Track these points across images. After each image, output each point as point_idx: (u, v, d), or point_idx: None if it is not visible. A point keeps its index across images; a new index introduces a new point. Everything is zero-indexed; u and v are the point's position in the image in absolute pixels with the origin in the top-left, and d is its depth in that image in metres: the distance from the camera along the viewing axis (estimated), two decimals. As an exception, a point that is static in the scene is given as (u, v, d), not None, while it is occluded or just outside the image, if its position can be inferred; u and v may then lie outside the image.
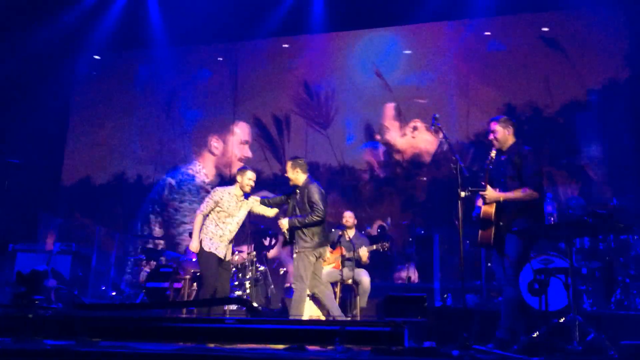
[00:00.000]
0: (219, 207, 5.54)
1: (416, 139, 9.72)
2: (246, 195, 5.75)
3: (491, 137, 4.40)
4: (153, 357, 2.96)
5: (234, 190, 5.66)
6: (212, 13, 10.26)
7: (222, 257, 5.52)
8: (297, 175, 5.45)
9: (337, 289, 6.48)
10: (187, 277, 6.95)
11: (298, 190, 5.46)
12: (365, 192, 9.93)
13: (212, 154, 10.79)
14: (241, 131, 10.78)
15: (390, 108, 10.01)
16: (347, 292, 6.76)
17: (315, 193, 5.30)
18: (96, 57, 11.71)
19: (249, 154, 10.55)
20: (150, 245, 9.08)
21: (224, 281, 5.55)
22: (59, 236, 10.28)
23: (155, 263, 7.92)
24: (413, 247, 7.90)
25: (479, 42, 9.58)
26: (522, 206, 4.09)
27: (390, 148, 9.88)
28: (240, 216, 5.72)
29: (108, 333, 3.35)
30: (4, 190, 5.82)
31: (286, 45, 10.74)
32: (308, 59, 10.50)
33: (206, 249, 5.45)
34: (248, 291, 7.22)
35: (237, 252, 6.76)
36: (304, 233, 5.30)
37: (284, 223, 5.33)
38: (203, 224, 5.53)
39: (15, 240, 7.33)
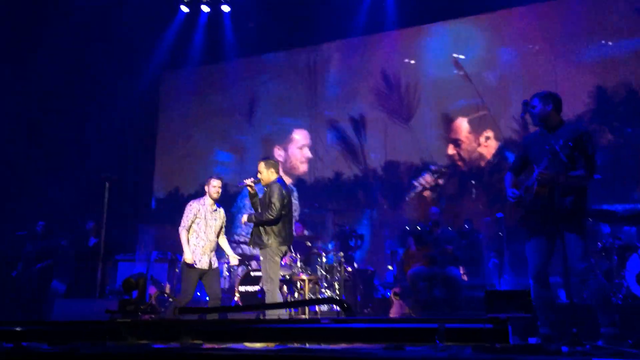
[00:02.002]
0: (198, 218, 5.76)
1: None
2: (217, 205, 5.96)
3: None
4: (254, 357, 3.01)
5: (206, 200, 5.88)
6: (282, 21, 10.53)
7: (207, 268, 5.69)
8: (270, 175, 5.56)
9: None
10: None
11: (265, 189, 5.55)
12: (449, 187, 9.71)
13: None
14: (301, 137, 10.95)
15: (471, 100, 9.73)
16: (439, 289, 6.61)
17: (275, 193, 5.37)
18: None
19: (309, 154, 10.74)
20: (240, 251, 9.33)
21: (214, 285, 5.75)
22: (155, 245, 10.81)
23: (245, 268, 8.11)
24: (504, 242, 7.60)
25: (563, 24, 9.11)
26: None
27: (460, 144, 9.62)
28: (218, 224, 5.90)
29: (209, 335, 3.44)
30: (103, 204, 6.16)
31: (361, 43, 10.72)
32: (385, 55, 10.41)
33: (187, 261, 5.62)
34: (337, 292, 7.25)
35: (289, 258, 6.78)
36: (260, 232, 5.38)
37: (243, 218, 5.51)
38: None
39: (117, 250, 7.75)
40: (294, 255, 7.25)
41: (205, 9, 10.79)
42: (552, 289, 4.07)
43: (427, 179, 9.75)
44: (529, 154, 4.16)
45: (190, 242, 5.71)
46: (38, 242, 7.91)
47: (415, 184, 9.79)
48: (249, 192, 5.60)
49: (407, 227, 9.03)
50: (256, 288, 7.07)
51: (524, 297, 3.02)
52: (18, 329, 3.97)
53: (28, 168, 10.37)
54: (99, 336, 3.56)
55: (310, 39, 11.02)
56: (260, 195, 5.65)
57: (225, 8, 10.73)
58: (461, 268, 6.70)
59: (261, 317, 5.49)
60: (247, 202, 6.15)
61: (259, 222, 5.38)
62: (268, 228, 5.36)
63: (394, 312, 6.55)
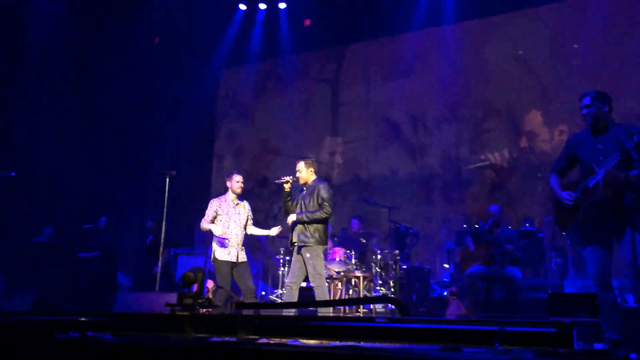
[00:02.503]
0: (219, 215, 5.86)
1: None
2: (240, 199, 6.04)
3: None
4: (309, 354, 3.02)
5: (228, 196, 5.98)
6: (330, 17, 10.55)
7: (235, 261, 5.78)
8: (310, 175, 5.57)
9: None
10: (332, 276, 7.07)
11: (305, 189, 5.54)
12: (508, 185, 9.45)
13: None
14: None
15: (535, 94, 9.41)
16: (498, 290, 6.44)
17: (326, 192, 5.45)
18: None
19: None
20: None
21: (246, 279, 5.81)
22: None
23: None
24: (568, 242, 7.31)
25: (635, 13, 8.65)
26: None
27: (534, 137, 9.28)
28: (242, 219, 5.98)
29: (265, 330, 3.48)
30: (163, 200, 6.34)
31: (420, 37, 10.55)
32: (446, 49, 10.18)
33: (219, 257, 5.74)
34: (392, 290, 7.19)
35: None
36: (307, 230, 5.36)
37: (292, 217, 5.41)
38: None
39: (176, 245, 7.97)
40: (348, 252, 7.24)
41: (262, 6, 10.95)
42: (615, 293, 3.88)
43: (488, 173, 9.52)
44: (578, 153, 4.00)
45: (217, 238, 5.82)
46: (101, 236, 8.24)
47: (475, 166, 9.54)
48: (284, 190, 5.59)
49: (464, 226, 8.85)
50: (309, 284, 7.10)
51: (590, 301, 2.88)
52: (83, 319, 4.15)
53: (94, 166, 10.82)
54: (160, 328, 3.67)
55: (363, 35, 10.97)
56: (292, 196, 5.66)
57: (282, 5, 10.84)
58: (521, 268, 6.48)
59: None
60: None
61: (311, 221, 5.39)
62: (315, 226, 5.39)
63: (450, 312, 6.43)
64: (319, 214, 5.38)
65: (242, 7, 11.10)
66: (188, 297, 3.86)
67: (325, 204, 5.39)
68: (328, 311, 5.68)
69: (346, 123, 11.20)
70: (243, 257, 5.93)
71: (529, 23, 9.64)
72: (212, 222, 5.88)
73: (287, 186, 5.55)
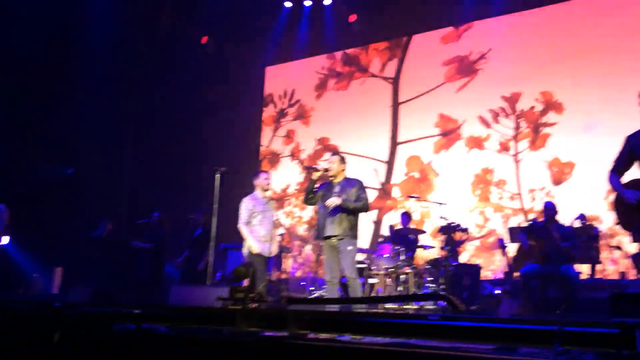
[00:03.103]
0: (254, 213, 5.98)
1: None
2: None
3: None
4: (360, 349, 3.00)
5: (258, 194, 6.13)
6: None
7: (268, 255, 5.99)
8: (341, 171, 5.52)
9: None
10: (381, 272, 7.03)
11: (336, 183, 5.45)
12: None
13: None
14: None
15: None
16: (553, 289, 6.24)
17: (363, 187, 5.45)
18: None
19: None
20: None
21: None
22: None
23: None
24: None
25: None
26: None
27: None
28: (272, 215, 6.15)
29: (316, 325, 3.48)
30: (214, 196, 6.44)
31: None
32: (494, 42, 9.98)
33: (254, 251, 5.88)
34: (442, 287, 7.09)
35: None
36: (353, 223, 5.33)
37: (337, 201, 5.25)
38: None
39: (226, 239, 8.09)
40: (397, 248, 7.18)
41: (307, 2, 10.99)
42: None
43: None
44: (637, 151, 3.84)
45: (253, 234, 5.97)
46: (154, 230, 8.43)
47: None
48: (312, 179, 5.53)
49: (519, 222, 8.63)
50: (360, 280, 7.07)
51: (656, 301, 2.75)
52: (139, 311, 4.26)
53: (148, 163, 11.12)
54: (212, 321, 3.73)
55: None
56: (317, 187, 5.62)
57: (327, 1, 10.85)
58: (578, 266, 6.26)
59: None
60: None
61: (353, 210, 5.35)
62: (352, 220, 5.38)
63: (502, 311, 6.29)
64: (362, 206, 5.38)
65: (288, 4, 11.16)
66: (239, 291, 3.91)
67: (366, 198, 5.43)
68: (363, 307, 5.66)
69: (406, 121, 11.08)
70: (275, 251, 6.20)
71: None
72: (248, 223, 6.03)
73: (316, 175, 5.49)
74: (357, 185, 5.44)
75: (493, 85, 10.10)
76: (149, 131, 11.47)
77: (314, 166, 5.57)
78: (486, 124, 10.05)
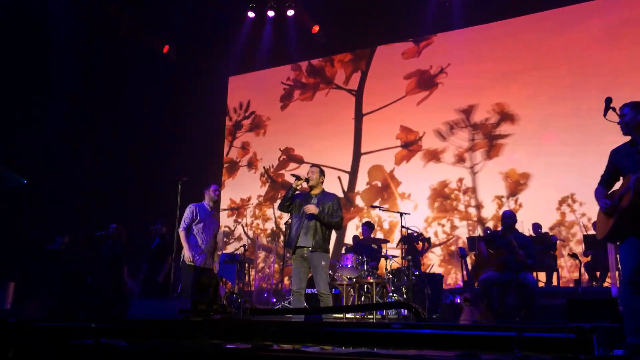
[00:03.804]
0: (196, 219, 6.04)
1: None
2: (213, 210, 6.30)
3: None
4: (324, 359, 2.99)
5: (205, 204, 6.21)
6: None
7: (201, 265, 5.94)
8: (319, 183, 5.54)
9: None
10: (344, 283, 7.05)
11: (314, 195, 5.47)
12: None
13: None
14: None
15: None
16: (512, 296, 6.38)
17: (339, 204, 5.50)
18: None
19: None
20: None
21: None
22: (223, 247, 11.08)
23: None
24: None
25: None
26: None
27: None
28: (215, 227, 6.24)
29: (279, 337, 3.46)
30: (176, 205, 6.35)
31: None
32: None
33: (187, 261, 5.92)
34: (405, 296, 7.14)
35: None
36: (326, 237, 5.35)
37: (313, 209, 5.27)
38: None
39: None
40: (360, 258, 7.21)
41: (270, 13, 11.00)
42: None
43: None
44: (617, 164, 4.00)
45: (190, 242, 6.00)
46: (110, 243, 8.20)
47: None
48: (292, 187, 5.51)
49: (477, 232, 8.79)
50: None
51: (610, 306, 2.83)
52: (96, 326, 4.15)
53: (106, 173, 10.87)
54: (174, 335, 3.66)
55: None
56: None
57: (290, 12, 10.89)
58: (536, 274, 6.41)
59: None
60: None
61: (327, 224, 5.35)
62: (326, 233, 5.39)
63: (464, 319, 6.37)
64: (335, 223, 5.39)
65: (251, 14, 11.14)
66: (202, 303, 3.84)
67: (340, 214, 5.43)
68: (331, 317, 5.65)
69: (369, 132, 11.23)
70: (212, 265, 6.15)
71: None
72: (188, 228, 6.07)
73: (298, 183, 5.48)
74: (333, 200, 5.44)
75: (452, 98, 10.33)
76: (109, 140, 11.23)
77: (298, 175, 5.53)
78: (442, 137, 10.27)
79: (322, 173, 5.57)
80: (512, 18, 10.13)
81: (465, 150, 10.05)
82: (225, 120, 12.95)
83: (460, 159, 10.06)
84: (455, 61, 10.49)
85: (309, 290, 7.08)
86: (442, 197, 10.07)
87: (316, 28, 11.24)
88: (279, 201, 11.30)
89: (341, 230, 9.89)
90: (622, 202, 3.79)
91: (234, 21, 11.38)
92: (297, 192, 5.51)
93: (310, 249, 5.25)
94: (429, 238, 9.14)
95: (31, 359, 3.25)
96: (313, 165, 5.68)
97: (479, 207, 9.73)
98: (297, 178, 5.46)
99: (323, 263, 5.26)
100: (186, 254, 5.96)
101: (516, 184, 9.50)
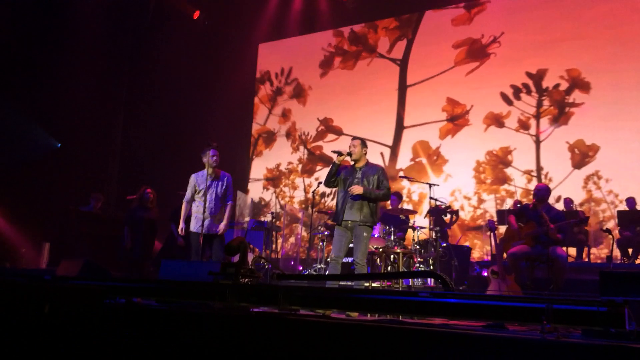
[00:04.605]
0: (197, 189, 6.07)
1: None
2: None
3: None
4: (350, 326, 3.01)
5: (205, 171, 6.13)
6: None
7: (207, 232, 5.96)
8: (363, 155, 5.49)
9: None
10: (371, 251, 7.04)
11: (358, 168, 5.42)
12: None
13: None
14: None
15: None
16: (541, 270, 6.30)
17: (386, 174, 5.46)
18: None
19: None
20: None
21: (219, 252, 5.99)
22: (253, 214, 11.19)
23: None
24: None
25: None
26: None
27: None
28: (219, 191, 6.15)
29: (306, 302, 3.49)
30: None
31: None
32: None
33: (191, 228, 5.98)
34: (431, 267, 7.13)
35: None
36: (367, 210, 5.31)
37: (359, 189, 5.23)
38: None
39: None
40: (387, 228, 7.20)
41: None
42: None
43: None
44: None
45: (193, 210, 6.06)
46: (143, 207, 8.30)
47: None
48: (334, 163, 5.50)
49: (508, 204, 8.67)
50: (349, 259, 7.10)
51: (645, 281, 2.78)
52: (129, 285, 4.26)
53: (139, 138, 11.02)
54: (203, 296, 3.73)
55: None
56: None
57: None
58: (566, 249, 6.31)
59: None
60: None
61: (374, 199, 5.36)
62: (373, 207, 5.37)
63: (491, 292, 6.33)
64: (383, 195, 5.40)
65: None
66: (231, 266, 3.90)
67: (388, 185, 5.42)
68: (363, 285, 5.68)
69: (413, 105, 10.95)
70: (220, 229, 6.10)
71: None
72: (190, 200, 6.12)
73: (340, 158, 5.45)
74: (378, 172, 5.43)
75: (505, 69, 9.96)
76: (140, 107, 11.36)
77: (339, 150, 5.51)
78: (507, 100, 9.92)
79: (364, 145, 5.52)
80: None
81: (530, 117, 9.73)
82: (255, 88, 12.88)
83: (523, 126, 9.76)
84: (508, 29, 10.04)
85: (345, 259, 7.15)
86: (494, 166, 9.81)
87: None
88: (315, 174, 11.42)
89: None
90: None
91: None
92: (339, 165, 5.49)
93: (358, 222, 5.28)
94: (457, 211, 9.06)
95: (66, 315, 3.36)
96: (354, 137, 5.60)
97: (539, 177, 9.46)
98: (339, 154, 5.43)
99: (365, 234, 5.29)
100: (181, 224, 6.02)
101: (584, 156, 9.20)
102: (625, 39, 8.97)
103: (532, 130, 9.59)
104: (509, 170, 9.66)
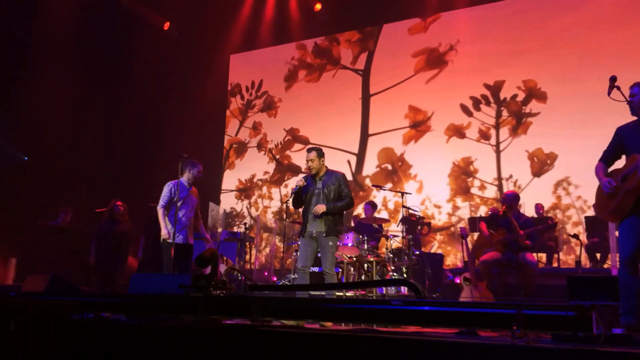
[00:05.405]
0: (175, 197, 5.98)
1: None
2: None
3: None
4: (324, 336, 3.00)
5: (184, 181, 6.13)
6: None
7: (182, 242, 5.96)
8: (322, 165, 5.51)
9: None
10: (344, 261, 7.06)
11: (319, 179, 5.46)
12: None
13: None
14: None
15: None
16: (512, 276, 6.39)
17: (348, 184, 5.49)
18: None
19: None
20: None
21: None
22: (225, 225, 11.09)
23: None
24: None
25: None
26: None
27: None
28: (194, 203, 6.17)
29: (280, 313, 3.47)
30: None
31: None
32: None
33: (164, 237, 5.90)
34: (405, 276, 7.16)
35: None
36: (337, 220, 5.36)
37: (322, 208, 5.29)
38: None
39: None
40: (361, 237, 7.22)
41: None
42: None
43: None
44: (625, 143, 3.95)
45: (169, 220, 5.98)
46: (113, 220, 8.15)
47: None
48: (299, 188, 5.52)
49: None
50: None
51: (611, 284, 2.83)
52: (97, 300, 4.17)
53: (108, 150, 10.85)
54: (174, 309, 3.67)
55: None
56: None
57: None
58: (536, 255, 6.41)
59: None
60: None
61: (337, 211, 5.38)
62: (337, 216, 5.39)
63: (463, 299, 6.39)
64: (346, 205, 5.43)
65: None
66: (202, 278, 3.85)
67: (350, 196, 5.44)
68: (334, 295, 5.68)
69: (376, 113, 11.10)
70: (190, 241, 6.12)
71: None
72: (167, 206, 6.05)
73: (299, 187, 5.50)
74: (339, 179, 5.44)
75: (462, 76, 10.18)
76: (110, 118, 11.20)
77: (298, 185, 5.52)
78: (467, 112, 10.12)
79: (320, 154, 5.52)
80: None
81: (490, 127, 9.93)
82: (227, 99, 12.84)
83: (483, 136, 9.95)
84: (465, 39, 10.30)
85: (313, 269, 7.11)
86: (460, 175, 9.95)
87: (318, 6, 11.10)
88: (284, 184, 11.44)
89: (351, 213, 9.84)
90: (627, 183, 3.75)
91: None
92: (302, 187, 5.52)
93: (322, 233, 5.29)
94: (430, 223, 9.14)
95: (32, 332, 3.27)
96: (310, 149, 5.58)
97: (499, 186, 9.63)
98: (296, 188, 5.47)
99: (331, 244, 5.31)
100: (163, 231, 5.93)
101: (542, 164, 9.39)
102: (581, 50, 9.27)
103: (493, 140, 9.79)
104: (474, 180, 9.85)
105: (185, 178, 6.18)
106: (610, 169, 4.09)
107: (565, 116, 9.20)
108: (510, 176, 9.53)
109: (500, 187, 9.56)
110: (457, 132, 10.12)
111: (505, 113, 9.83)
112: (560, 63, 9.38)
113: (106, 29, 10.99)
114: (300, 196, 5.52)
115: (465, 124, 10.09)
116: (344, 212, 5.57)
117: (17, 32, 9.61)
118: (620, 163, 4.07)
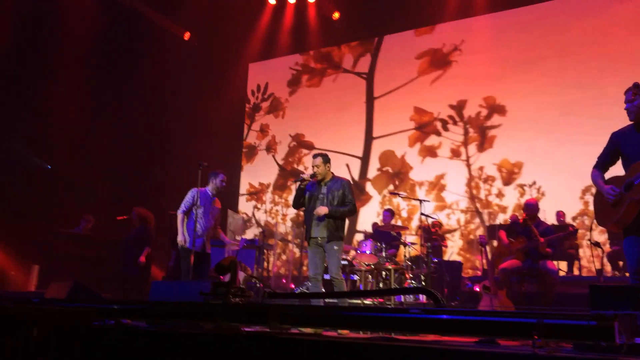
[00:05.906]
0: (197, 204, 6.01)
1: None
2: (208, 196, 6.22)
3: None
4: (342, 344, 3.00)
5: (208, 190, 6.20)
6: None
7: (200, 250, 5.98)
8: (328, 170, 5.54)
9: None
10: (362, 269, 7.04)
11: (324, 184, 5.48)
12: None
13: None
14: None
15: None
16: (532, 284, 6.31)
17: (352, 191, 5.51)
18: None
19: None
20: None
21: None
22: (243, 232, 11.14)
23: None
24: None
25: None
26: None
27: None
28: (215, 213, 6.22)
29: (298, 320, 3.47)
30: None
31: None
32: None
33: (180, 243, 5.97)
34: (423, 283, 7.12)
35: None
36: (339, 226, 5.39)
37: (324, 210, 5.31)
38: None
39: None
40: (379, 244, 7.20)
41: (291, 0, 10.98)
42: None
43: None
44: (622, 149, 3.88)
45: (188, 226, 6.01)
46: (135, 228, 8.25)
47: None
48: (300, 186, 5.55)
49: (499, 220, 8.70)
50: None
51: (634, 293, 2.78)
52: (118, 307, 4.21)
53: (129, 159, 10.99)
54: (193, 317, 3.70)
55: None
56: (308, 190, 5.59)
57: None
58: (557, 263, 6.34)
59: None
60: None
61: (340, 216, 5.38)
62: (340, 222, 5.45)
63: (482, 307, 6.34)
64: (348, 211, 5.45)
65: (272, 1, 11.13)
66: (222, 286, 3.87)
67: (352, 199, 5.47)
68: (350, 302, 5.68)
69: (380, 117, 11.10)
70: (208, 249, 6.18)
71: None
72: (188, 212, 6.08)
73: (304, 183, 5.52)
74: (343, 186, 5.46)
75: (466, 77, 10.22)
76: (129, 127, 11.35)
77: (302, 176, 5.56)
78: (437, 132, 10.26)
79: (326, 160, 5.55)
80: (526, 6, 9.95)
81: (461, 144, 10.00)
82: (244, 107, 12.96)
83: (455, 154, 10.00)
84: (469, 41, 10.32)
85: (326, 276, 7.10)
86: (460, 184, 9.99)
87: (336, 15, 11.15)
88: (288, 189, 11.51)
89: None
90: (632, 192, 3.64)
91: (254, 8, 11.37)
92: (304, 188, 5.54)
93: (325, 239, 5.31)
94: (443, 235, 9.08)
95: (54, 338, 3.31)
96: (316, 155, 5.62)
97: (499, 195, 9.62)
98: (301, 180, 5.48)
99: (336, 248, 5.34)
100: (179, 237, 5.97)
101: (510, 174, 9.42)
102: (535, 60, 9.48)
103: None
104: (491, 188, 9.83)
105: (210, 188, 6.24)
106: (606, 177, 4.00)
107: (520, 127, 9.38)
108: (534, 182, 9.45)
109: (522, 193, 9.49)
110: (430, 152, 10.32)
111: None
112: (577, 69, 9.29)
113: (126, 39, 11.15)
114: (302, 195, 5.52)
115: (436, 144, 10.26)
116: (345, 219, 5.59)
117: (37, 43, 9.80)
118: (614, 169, 3.99)
